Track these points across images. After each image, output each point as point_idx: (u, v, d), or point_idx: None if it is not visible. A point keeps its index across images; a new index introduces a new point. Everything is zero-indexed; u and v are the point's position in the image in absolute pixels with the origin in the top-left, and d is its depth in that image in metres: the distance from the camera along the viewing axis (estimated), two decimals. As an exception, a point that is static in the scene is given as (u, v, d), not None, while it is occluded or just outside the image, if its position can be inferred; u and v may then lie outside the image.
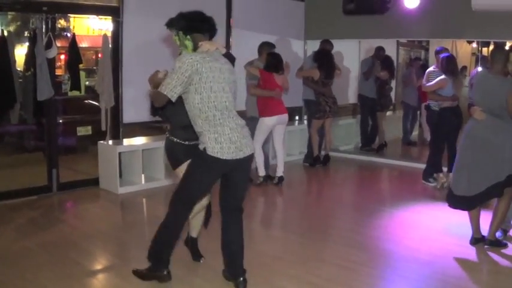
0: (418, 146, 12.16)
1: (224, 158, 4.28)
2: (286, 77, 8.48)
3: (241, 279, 4.58)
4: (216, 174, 4.46)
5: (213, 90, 4.24)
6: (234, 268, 4.64)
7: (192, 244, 5.28)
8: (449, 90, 7.85)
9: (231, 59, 4.65)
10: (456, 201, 5.73)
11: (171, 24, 4.55)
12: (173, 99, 4.21)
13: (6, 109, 7.35)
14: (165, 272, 4.62)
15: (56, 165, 7.70)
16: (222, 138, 4.28)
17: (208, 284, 4.78)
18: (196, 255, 5.26)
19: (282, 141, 8.60)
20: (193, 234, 5.26)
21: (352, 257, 5.43)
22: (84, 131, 8.41)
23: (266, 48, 8.42)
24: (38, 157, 8.38)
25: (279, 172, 8.54)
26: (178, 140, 4.83)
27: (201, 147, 4.32)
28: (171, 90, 4.16)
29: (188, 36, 4.45)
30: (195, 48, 4.43)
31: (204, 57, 4.25)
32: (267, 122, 8.17)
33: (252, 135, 8.24)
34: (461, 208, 5.76)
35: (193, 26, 4.46)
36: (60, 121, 8.19)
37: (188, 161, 4.62)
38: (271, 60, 8.16)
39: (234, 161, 4.33)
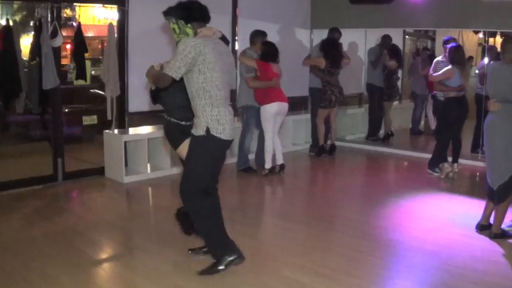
0: (424, 135, 12.11)
1: (225, 138, 4.54)
2: (279, 65, 8.35)
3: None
4: (218, 154, 4.69)
5: (216, 70, 4.45)
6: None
7: (184, 217, 5.11)
8: (456, 80, 7.81)
9: (226, 42, 4.89)
10: (497, 194, 5.66)
11: (169, 13, 4.70)
12: (177, 79, 4.39)
13: (11, 98, 7.36)
14: (233, 256, 4.69)
15: (61, 154, 7.71)
16: (224, 120, 4.51)
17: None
18: (188, 227, 5.11)
19: (277, 129, 8.51)
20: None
21: (358, 246, 5.42)
22: (89, 120, 8.41)
23: (260, 38, 8.30)
24: (43, 146, 8.38)
25: (279, 160, 8.52)
26: (175, 120, 5.01)
27: (199, 131, 4.49)
28: (175, 71, 4.35)
29: (189, 25, 4.64)
30: (195, 35, 4.62)
31: (206, 40, 4.48)
32: (268, 110, 8.11)
33: (247, 122, 8.24)
34: (505, 197, 5.63)
35: (192, 14, 4.64)
36: (66, 110, 8.19)
37: (187, 139, 4.74)
38: (267, 50, 8.07)
39: (229, 142, 4.66)
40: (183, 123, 4.96)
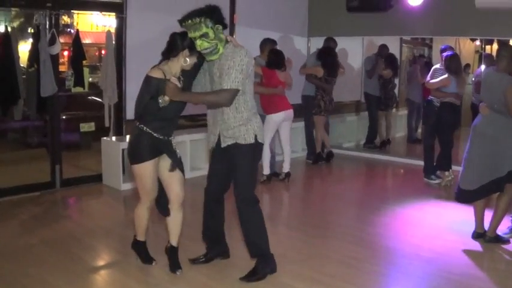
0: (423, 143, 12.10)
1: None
2: (289, 73, 8.46)
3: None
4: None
5: (250, 81, 4.56)
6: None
7: (171, 254, 4.94)
8: (452, 88, 7.85)
9: None
10: (461, 195, 5.79)
11: (206, 15, 4.30)
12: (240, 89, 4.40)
13: (9, 105, 7.35)
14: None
15: (59, 161, 7.71)
16: (260, 127, 4.67)
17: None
18: (175, 266, 4.89)
19: (288, 137, 8.58)
20: (174, 243, 4.92)
21: (356, 254, 5.43)
22: (87, 127, 8.40)
23: (268, 45, 8.41)
24: (41, 153, 8.38)
25: (286, 168, 8.56)
26: (148, 130, 4.54)
27: (244, 139, 4.53)
28: (241, 84, 4.38)
29: (222, 30, 4.47)
30: (226, 42, 4.49)
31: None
32: (274, 119, 8.15)
33: None
34: (465, 201, 5.83)
35: (224, 21, 4.50)
36: (64, 117, 8.18)
37: (150, 161, 4.57)
38: (273, 58, 8.15)
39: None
40: (156, 135, 4.55)
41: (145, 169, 4.62)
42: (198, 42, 4.32)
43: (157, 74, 4.43)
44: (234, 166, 4.61)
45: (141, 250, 5.05)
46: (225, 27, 4.47)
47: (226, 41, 4.48)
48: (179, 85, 4.45)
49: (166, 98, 4.37)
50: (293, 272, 4.94)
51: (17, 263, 5.03)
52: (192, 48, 4.43)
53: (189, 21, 4.28)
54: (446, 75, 7.83)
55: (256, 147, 4.61)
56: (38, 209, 6.89)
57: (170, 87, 4.34)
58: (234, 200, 4.64)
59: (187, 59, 4.48)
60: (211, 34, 4.31)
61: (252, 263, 4.78)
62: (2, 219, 6.38)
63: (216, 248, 5.12)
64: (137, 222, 4.95)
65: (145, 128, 4.54)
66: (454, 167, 8.19)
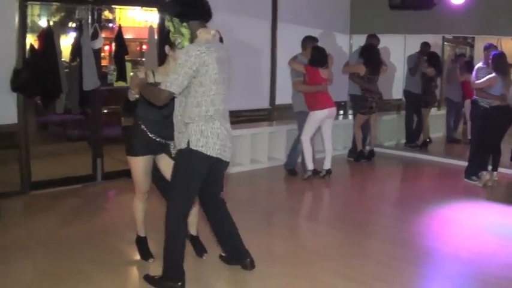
0: (462, 143, 11.92)
1: (208, 153, 4.12)
2: (331, 69, 8.42)
3: (248, 259, 4.71)
4: (202, 170, 4.23)
5: (216, 82, 4.04)
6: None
7: (194, 241, 5.16)
8: (498, 88, 7.69)
9: (221, 41, 4.45)
10: None
11: (163, 9, 4.18)
12: (178, 94, 4.03)
13: (52, 99, 7.43)
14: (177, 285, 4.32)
15: (100, 154, 7.78)
16: (209, 132, 4.10)
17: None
18: (201, 252, 5.09)
19: (330, 134, 8.55)
20: (193, 232, 5.17)
21: (394, 253, 5.36)
22: (128, 121, 8.44)
23: (310, 43, 8.34)
24: (82, 146, 8.48)
25: (327, 165, 8.52)
26: (145, 128, 4.58)
27: (182, 144, 4.13)
28: (178, 86, 3.94)
29: (184, 24, 4.06)
30: (193, 36, 4.09)
31: (209, 47, 3.98)
32: (318, 116, 8.15)
33: (300, 128, 8.26)
34: None
35: (189, 12, 4.07)
36: (105, 111, 8.24)
37: (140, 158, 4.60)
38: (316, 55, 8.10)
39: (215, 159, 4.19)
40: (152, 136, 4.59)
41: (136, 163, 4.69)
42: (170, 34, 4.19)
43: (138, 71, 4.51)
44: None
45: (139, 245, 5.10)
46: (189, 18, 4.06)
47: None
48: (146, 77, 4.38)
49: (133, 91, 4.39)
50: (332, 270, 4.90)
51: (57, 254, 5.08)
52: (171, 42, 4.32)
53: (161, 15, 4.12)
54: (493, 74, 7.67)
55: (184, 154, 4.14)
56: (78, 201, 6.97)
57: (131, 79, 4.35)
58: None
59: (173, 54, 4.43)
60: (171, 27, 4.09)
61: (288, 262, 4.72)
62: (43, 211, 6.46)
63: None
64: (134, 215, 5.04)
65: (142, 126, 4.60)
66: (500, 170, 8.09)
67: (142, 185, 4.84)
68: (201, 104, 4.03)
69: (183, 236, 4.36)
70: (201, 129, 4.06)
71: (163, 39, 7.85)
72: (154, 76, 4.51)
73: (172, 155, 4.54)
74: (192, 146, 4.06)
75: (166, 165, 4.65)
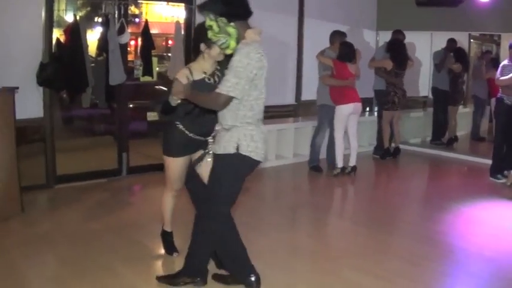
0: (487, 141, 11.79)
1: (256, 159, 3.97)
2: (358, 65, 8.38)
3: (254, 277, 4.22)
4: (248, 174, 4.11)
5: (264, 85, 3.94)
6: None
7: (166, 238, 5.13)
8: (523, 86, 7.60)
9: None
10: None
11: (206, 7, 3.86)
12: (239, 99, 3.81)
13: (78, 93, 7.47)
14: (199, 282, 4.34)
15: (126, 149, 7.83)
16: (258, 137, 3.95)
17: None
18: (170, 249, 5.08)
19: (355, 131, 8.54)
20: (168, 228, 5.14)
21: (419, 251, 5.33)
22: (153, 116, 8.46)
23: (338, 38, 8.36)
24: (107, 141, 8.54)
25: (352, 162, 8.51)
26: (183, 128, 4.53)
27: (227, 148, 3.91)
28: (240, 92, 3.74)
29: (232, 24, 3.82)
30: (240, 37, 3.85)
31: (263, 49, 3.86)
32: (344, 110, 8.16)
33: (322, 120, 8.23)
34: None
35: (236, 11, 3.85)
36: (131, 106, 8.27)
37: (179, 158, 4.58)
38: (344, 50, 8.12)
39: (258, 163, 4.04)
40: (191, 135, 4.53)
41: (173, 163, 4.68)
42: (208, 33, 3.92)
43: (179, 75, 4.38)
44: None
45: (164, 239, 5.12)
46: (236, 17, 3.82)
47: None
48: (186, 81, 4.25)
49: (175, 97, 4.26)
50: (357, 267, 4.88)
51: (82, 248, 5.12)
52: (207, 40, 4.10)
53: (201, 14, 3.95)
54: (518, 71, 7.58)
55: (230, 158, 3.92)
56: (104, 195, 7.02)
57: (174, 85, 4.20)
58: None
59: (210, 51, 4.37)
60: (215, 27, 3.82)
61: (313, 258, 4.71)
62: (68, 205, 6.51)
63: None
64: (163, 209, 5.04)
65: (180, 126, 4.55)
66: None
67: (176, 183, 4.85)
68: (254, 107, 3.90)
69: (235, 234, 4.23)
70: (252, 134, 3.90)
71: (189, 34, 7.92)
72: (192, 75, 4.42)
73: (210, 151, 4.40)
74: (242, 152, 3.89)
75: (207, 166, 4.40)
